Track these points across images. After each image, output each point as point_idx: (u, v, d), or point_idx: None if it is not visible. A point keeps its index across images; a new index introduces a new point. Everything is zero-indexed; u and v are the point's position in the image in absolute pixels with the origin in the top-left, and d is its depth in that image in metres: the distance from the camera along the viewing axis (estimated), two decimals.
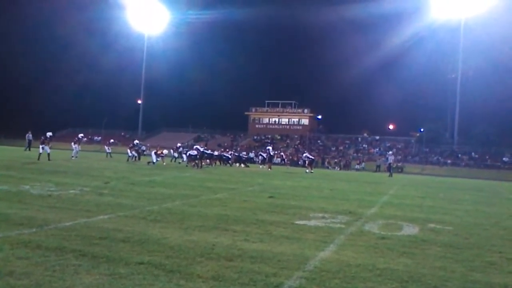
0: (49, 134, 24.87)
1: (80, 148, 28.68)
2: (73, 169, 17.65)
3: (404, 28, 59.23)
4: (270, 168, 29.50)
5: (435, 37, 60.62)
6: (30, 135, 36.32)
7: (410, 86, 64.35)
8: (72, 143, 28.18)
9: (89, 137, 65.63)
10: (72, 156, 26.20)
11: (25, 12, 79.92)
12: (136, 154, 28.74)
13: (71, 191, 10.06)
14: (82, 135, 32.50)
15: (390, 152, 39.40)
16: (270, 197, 11.35)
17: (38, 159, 22.06)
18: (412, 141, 61.26)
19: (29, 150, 33.78)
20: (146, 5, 64.02)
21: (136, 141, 31.01)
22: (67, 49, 79.23)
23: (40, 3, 75.72)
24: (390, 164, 33.83)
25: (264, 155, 33.29)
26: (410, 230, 7.45)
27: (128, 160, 27.87)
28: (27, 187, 10.37)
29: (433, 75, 61.96)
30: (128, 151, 28.81)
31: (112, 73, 74.02)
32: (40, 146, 23.85)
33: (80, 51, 77.16)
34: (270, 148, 32.73)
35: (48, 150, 23.65)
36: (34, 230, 5.76)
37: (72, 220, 6.54)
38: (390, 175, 31.15)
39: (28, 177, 12.93)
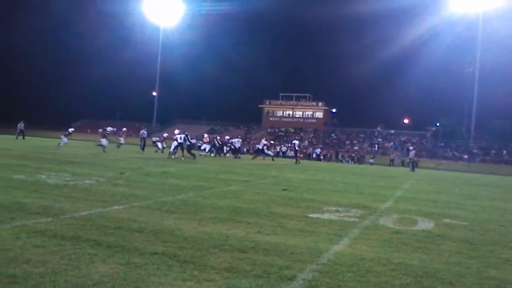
0: (71, 129, 28.32)
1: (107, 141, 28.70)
2: (88, 159, 17.84)
3: (421, 21, 58.51)
4: (298, 162, 29.64)
5: (453, 30, 59.73)
6: (22, 125, 37.10)
7: (426, 80, 63.78)
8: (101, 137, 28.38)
9: (104, 128, 66.19)
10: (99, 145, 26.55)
11: (42, 5, 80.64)
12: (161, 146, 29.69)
13: (87, 181, 10.18)
14: (111, 128, 32.30)
15: (412, 148, 38.92)
16: (284, 190, 11.34)
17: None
18: (428, 135, 60.60)
19: (23, 138, 34.72)
20: None
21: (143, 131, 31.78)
22: (83, 42, 79.97)
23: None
24: (411, 159, 33.45)
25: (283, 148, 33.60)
26: (425, 225, 7.39)
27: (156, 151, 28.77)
28: (43, 176, 10.51)
29: (450, 69, 61.26)
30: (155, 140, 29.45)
31: (128, 65, 74.60)
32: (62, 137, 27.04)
33: (96, 44, 77.74)
34: (296, 142, 32.89)
35: (66, 142, 26.18)
36: (50, 219, 5.84)
37: (88, 210, 6.62)
38: (412, 170, 30.99)
39: (44, 166, 13.10)
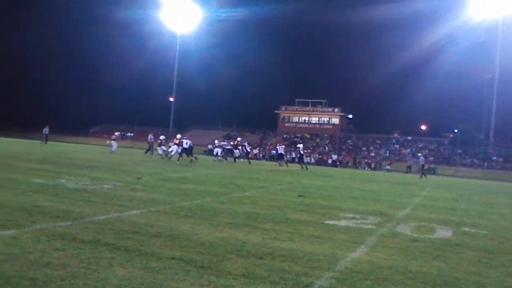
0: (117, 133, 31.06)
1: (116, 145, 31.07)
2: (106, 164, 18.06)
3: (439, 26, 58.00)
4: (304, 167, 28.08)
5: (471, 35, 58.98)
6: (47, 129, 37.85)
7: (444, 86, 63.00)
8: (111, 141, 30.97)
9: (122, 133, 67.09)
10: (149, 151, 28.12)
11: (63, 14, 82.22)
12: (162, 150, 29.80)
13: (105, 186, 10.30)
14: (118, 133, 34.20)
15: (421, 154, 38.64)
16: (300, 196, 11.31)
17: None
18: (445, 142, 59.84)
19: (45, 143, 35.43)
20: (179, 4, 64.78)
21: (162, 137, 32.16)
22: (102, 49, 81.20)
23: (77, 3, 77.71)
24: (423, 165, 33.16)
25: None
26: (444, 233, 7.29)
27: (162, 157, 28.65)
28: (63, 181, 10.67)
29: (468, 75, 60.39)
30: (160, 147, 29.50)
31: (145, 71, 75.48)
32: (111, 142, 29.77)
33: (115, 51, 78.95)
34: (301, 146, 31.07)
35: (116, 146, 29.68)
36: (69, 223, 5.92)
37: (106, 214, 6.70)
38: (424, 176, 30.63)
39: (64, 171, 13.30)
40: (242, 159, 32.82)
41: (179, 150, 26.84)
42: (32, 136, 48.07)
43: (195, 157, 25.68)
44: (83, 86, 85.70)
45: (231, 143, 34.47)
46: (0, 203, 6.95)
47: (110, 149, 29.91)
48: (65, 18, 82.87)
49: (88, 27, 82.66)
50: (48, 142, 36.98)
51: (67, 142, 53.99)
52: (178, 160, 24.45)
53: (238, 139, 38.49)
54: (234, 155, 32.64)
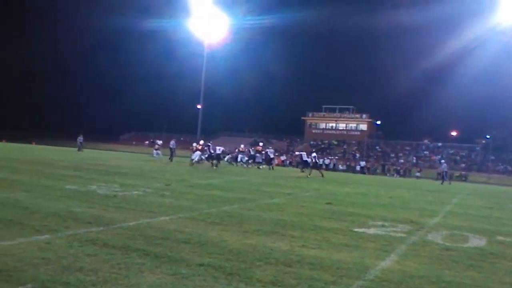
0: (160, 142, 32.37)
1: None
2: (136, 171, 18.37)
3: (469, 30, 56.52)
4: (322, 175, 26.91)
5: (503, 39, 57.35)
6: (81, 138, 38.94)
7: (476, 91, 61.42)
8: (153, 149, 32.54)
9: (151, 140, 68.05)
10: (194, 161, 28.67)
11: (94, 25, 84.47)
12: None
13: (135, 192, 10.47)
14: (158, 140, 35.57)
15: (443, 160, 37.67)
16: (328, 203, 11.20)
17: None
18: (477, 148, 58.32)
19: (81, 151, 36.41)
20: (207, 13, 65.48)
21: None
22: (131, 57, 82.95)
23: (108, 14, 79.69)
24: (445, 172, 32.42)
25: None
26: (477, 242, 7.08)
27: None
28: (94, 187, 10.90)
29: (500, 79, 58.75)
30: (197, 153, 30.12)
31: (174, 79, 76.61)
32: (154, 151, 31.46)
33: (144, 59, 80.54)
34: (315, 154, 28.90)
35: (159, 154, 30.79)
36: (101, 228, 6.04)
37: (136, 220, 6.80)
38: (448, 183, 30.09)
39: (95, 177, 13.59)
40: (264, 166, 32.84)
41: (203, 157, 27.51)
42: (66, 143, 49.40)
43: (216, 164, 26.54)
44: (114, 95, 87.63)
45: (251, 148, 34.69)
46: (35, 209, 7.15)
47: (153, 157, 31.23)
48: (97, 30, 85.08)
49: (119, 37, 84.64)
50: (83, 150, 38.09)
51: (99, 149, 55.19)
52: (216, 166, 26.04)
53: (260, 144, 38.56)
54: (257, 161, 32.74)
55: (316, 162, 28.08)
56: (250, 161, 33.14)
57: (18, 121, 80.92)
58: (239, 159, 33.94)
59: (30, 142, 53.77)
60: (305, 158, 29.39)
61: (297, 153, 29.07)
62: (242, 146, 35.65)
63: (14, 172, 13.41)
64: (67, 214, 6.90)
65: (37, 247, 4.78)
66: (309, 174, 25.43)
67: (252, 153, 33.66)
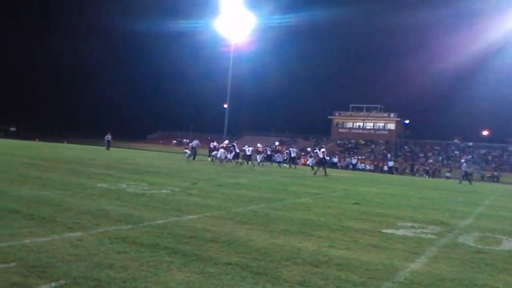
0: (186, 140, 31.20)
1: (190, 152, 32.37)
2: (164, 170, 18.61)
3: (502, 27, 54.91)
4: (326, 173, 26.00)
5: None
6: (109, 136, 39.82)
7: (508, 90, 59.52)
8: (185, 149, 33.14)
9: (178, 139, 68.92)
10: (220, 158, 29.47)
11: (122, 28, 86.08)
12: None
13: (163, 191, 10.61)
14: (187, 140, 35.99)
15: (463, 160, 36.48)
16: (355, 203, 11.09)
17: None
18: (509, 148, 56.61)
19: (108, 149, 37.32)
20: (234, 12, 65.74)
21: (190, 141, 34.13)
22: (159, 58, 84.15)
23: (138, 16, 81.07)
24: (466, 172, 31.54)
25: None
26: (511, 245, 6.88)
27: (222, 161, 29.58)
28: (124, 185, 11.10)
29: None
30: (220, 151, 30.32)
31: (201, 79, 77.30)
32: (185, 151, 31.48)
33: (171, 60, 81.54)
34: (323, 150, 27.57)
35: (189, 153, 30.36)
36: (130, 226, 6.14)
37: (164, 219, 6.89)
38: (467, 181, 29.46)
39: (125, 176, 13.84)
40: (285, 164, 32.73)
41: (228, 155, 27.93)
42: (95, 142, 50.49)
43: (241, 163, 26.87)
44: (142, 95, 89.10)
45: (270, 147, 34.80)
46: (68, 206, 7.33)
47: (185, 157, 31.04)
48: (127, 31, 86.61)
49: (148, 38, 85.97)
50: (110, 148, 38.84)
51: (127, 148, 56.18)
52: (253, 165, 27.00)
53: (276, 143, 38.49)
54: (278, 160, 32.75)
55: (321, 158, 26.72)
56: (264, 162, 33.23)
57: (50, 120, 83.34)
58: (258, 159, 34.00)
59: (62, 141, 55.26)
60: (321, 155, 28.46)
61: (319, 151, 27.85)
62: (259, 145, 35.46)
63: (47, 170, 13.78)
64: (98, 212, 7.04)
65: (69, 244, 4.90)
66: (315, 173, 25.36)
67: (269, 153, 33.67)
